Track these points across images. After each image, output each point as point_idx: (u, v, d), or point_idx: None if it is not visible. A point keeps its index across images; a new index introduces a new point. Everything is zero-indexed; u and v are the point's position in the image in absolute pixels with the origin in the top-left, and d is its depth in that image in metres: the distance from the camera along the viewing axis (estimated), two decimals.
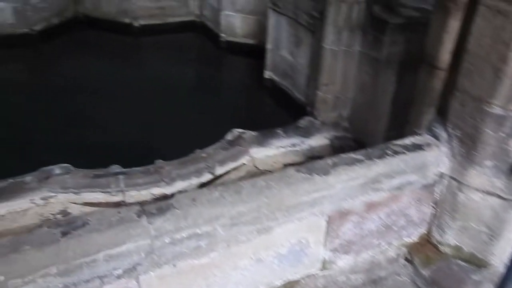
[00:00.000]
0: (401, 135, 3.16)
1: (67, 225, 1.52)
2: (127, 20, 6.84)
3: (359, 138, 4.03)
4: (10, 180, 3.12)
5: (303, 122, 4.24)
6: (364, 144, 3.95)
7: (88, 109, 4.81)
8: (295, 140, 4.02)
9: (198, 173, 3.43)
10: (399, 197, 2.10)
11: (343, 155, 2.02)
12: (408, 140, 2.18)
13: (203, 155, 3.60)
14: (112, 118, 4.66)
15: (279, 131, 4.08)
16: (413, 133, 2.46)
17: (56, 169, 3.24)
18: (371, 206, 2.03)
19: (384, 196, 2.03)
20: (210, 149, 3.68)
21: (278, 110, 4.89)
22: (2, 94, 5.06)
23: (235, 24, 6.23)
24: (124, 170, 3.32)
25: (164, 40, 6.94)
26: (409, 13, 3.51)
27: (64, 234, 1.49)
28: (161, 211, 1.63)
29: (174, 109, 4.90)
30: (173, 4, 6.95)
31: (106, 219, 1.57)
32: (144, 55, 6.63)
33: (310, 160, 3.99)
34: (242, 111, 4.94)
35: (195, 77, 5.89)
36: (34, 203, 3.03)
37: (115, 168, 3.34)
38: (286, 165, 3.87)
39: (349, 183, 1.91)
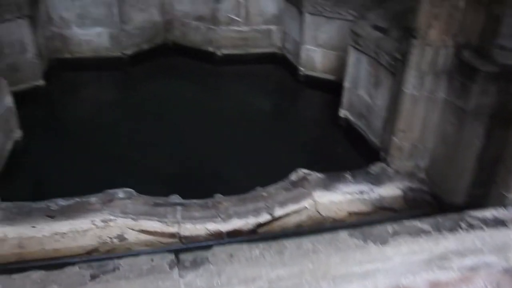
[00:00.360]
0: (486, 195, 2.82)
1: (98, 268, 1.47)
2: (211, 49, 7.04)
3: (437, 192, 3.67)
4: (77, 199, 3.25)
5: (375, 168, 3.97)
6: (442, 200, 3.60)
7: (163, 132, 4.95)
8: (364, 187, 3.77)
9: (256, 212, 3.34)
10: (472, 279, 1.79)
11: (406, 222, 1.78)
12: (488, 213, 1.88)
13: (264, 194, 3.50)
14: (182, 143, 4.74)
15: (348, 175, 3.86)
16: (500, 196, 2.14)
17: (120, 193, 3.32)
18: (436, 286, 1.76)
19: (453, 276, 1.74)
20: (271, 188, 3.57)
21: (350, 152, 4.66)
22: (91, 111, 5.46)
23: (315, 58, 6.14)
24: (183, 201, 3.33)
25: (245, 70, 6.99)
26: (506, 60, 3.15)
27: (93, 277, 1.44)
28: (195, 265, 1.53)
29: (243, 139, 4.89)
30: (257, 35, 7.04)
31: (137, 266, 1.50)
32: (224, 83, 6.72)
33: (378, 211, 3.74)
34: (312, 149, 4.77)
35: (270, 109, 5.82)
36: (95, 224, 3.12)
37: (175, 198, 3.35)
38: (351, 214, 3.64)
39: (410, 257, 1.67)
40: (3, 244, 2.93)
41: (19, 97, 4.99)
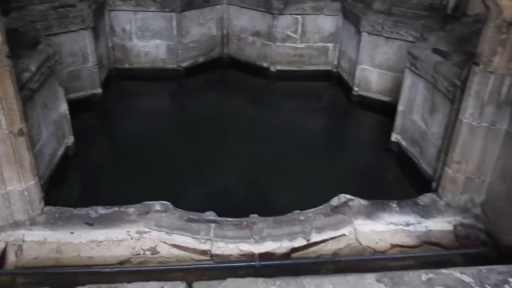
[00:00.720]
0: None
1: None
2: (265, 64, 7.05)
3: (492, 231, 3.34)
4: (115, 208, 3.31)
5: (424, 199, 3.71)
6: (498, 240, 3.28)
7: (211, 147, 4.95)
8: (411, 218, 3.52)
9: (291, 236, 3.21)
10: None
11: (444, 271, 1.59)
12: None
13: (301, 217, 3.37)
14: (228, 159, 4.72)
15: (394, 204, 3.63)
16: None
17: (157, 205, 3.34)
18: None
19: None
20: (310, 212, 3.43)
21: (399, 179, 4.44)
22: (143, 120, 5.61)
23: (370, 78, 5.96)
24: (217, 218, 3.28)
25: (298, 87, 6.93)
26: None
27: None
28: None
29: (290, 158, 4.79)
30: (313, 52, 6.95)
31: None
32: (276, 99, 6.65)
33: (424, 245, 3.47)
34: (358, 173, 4.57)
35: (320, 128, 5.70)
36: (130, 235, 3.15)
37: (210, 215, 3.32)
38: (394, 246, 3.40)
39: None
40: (42, 248, 3.03)
41: (77, 103, 5.29)
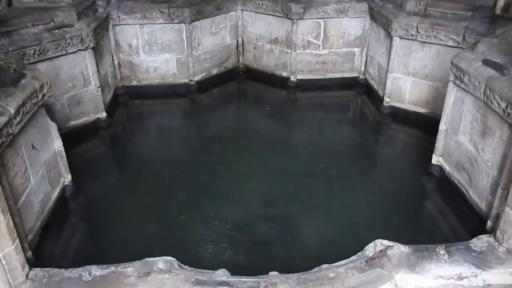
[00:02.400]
0: None
1: None
2: (285, 74, 6.61)
3: None
4: (112, 268, 2.90)
5: (479, 243, 3.15)
6: None
7: (226, 174, 4.54)
8: (464, 269, 2.99)
9: None
10: None
11: None
12: None
13: (331, 274, 2.88)
14: (244, 190, 4.28)
15: (441, 250, 3.09)
16: None
17: (160, 263, 2.92)
18: None
19: None
20: (341, 268, 2.93)
21: (443, 213, 3.88)
22: (152, 147, 5.23)
23: (403, 88, 5.42)
24: (230, 279, 2.82)
25: (321, 98, 6.50)
26: None
27: None
28: None
29: (312, 189, 4.30)
30: (337, 59, 6.43)
31: None
32: (297, 112, 6.26)
33: None
34: (394, 204, 4.02)
35: (347, 148, 5.15)
36: None
37: (221, 274, 2.86)
38: None
39: None
40: None
41: (79, 131, 5.00)
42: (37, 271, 2.87)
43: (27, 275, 2.79)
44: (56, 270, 2.90)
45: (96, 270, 2.91)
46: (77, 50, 4.79)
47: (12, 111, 2.87)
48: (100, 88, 5.19)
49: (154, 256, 2.94)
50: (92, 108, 5.21)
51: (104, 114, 5.34)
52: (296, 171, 4.57)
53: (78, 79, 4.93)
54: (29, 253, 3.08)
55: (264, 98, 6.64)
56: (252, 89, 6.88)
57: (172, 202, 4.09)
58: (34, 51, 4.31)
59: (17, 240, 2.68)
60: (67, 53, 4.69)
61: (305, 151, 5.01)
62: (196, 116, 6.12)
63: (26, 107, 3.09)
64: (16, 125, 2.93)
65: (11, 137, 2.88)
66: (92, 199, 4.06)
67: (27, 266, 2.79)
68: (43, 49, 4.39)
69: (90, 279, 2.85)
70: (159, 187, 4.32)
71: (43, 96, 3.38)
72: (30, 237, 3.20)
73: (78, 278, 2.85)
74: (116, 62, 6.04)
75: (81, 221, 3.87)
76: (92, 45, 4.90)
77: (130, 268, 2.91)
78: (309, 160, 4.77)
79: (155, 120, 5.97)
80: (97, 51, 5.19)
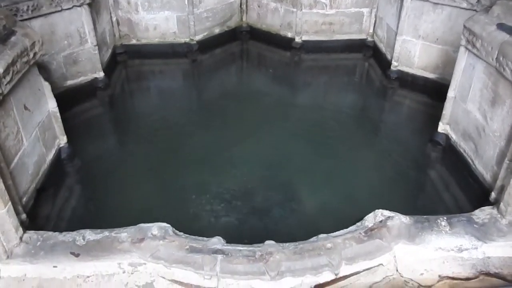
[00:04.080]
0: None
1: None
2: (290, 34, 6.40)
3: None
4: (106, 233, 2.89)
5: (482, 215, 3.11)
6: None
7: (227, 138, 4.47)
8: (464, 241, 2.97)
9: (316, 270, 2.73)
10: None
11: None
12: None
13: (328, 245, 2.84)
14: (245, 153, 4.23)
15: (443, 222, 3.05)
16: None
17: (154, 229, 2.90)
18: None
19: None
20: (339, 237, 2.89)
21: (447, 182, 3.80)
22: (151, 109, 5.12)
23: (412, 52, 5.25)
24: (225, 247, 2.80)
25: (326, 60, 6.33)
26: None
27: None
28: None
29: (314, 154, 4.24)
30: (344, 20, 6.20)
31: None
32: (302, 75, 6.13)
33: (481, 277, 2.91)
34: (397, 173, 3.94)
35: (351, 113, 5.03)
36: (122, 268, 2.74)
37: (216, 242, 2.84)
38: (443, 278, 2.85)
39: None
40: (22, 285, 2.65)
41: (75, 92, 4.90)
42: (31, 233, 2.86)
43: (21, 238, 2.78)
44: (50, 233, 2.89)
45: (90, 235, 2.89)
46: (73, 6, 4.61)
47: (1, 70, 2.76)
48: (97, 47, 5.04)
49: (149, 222, 2.92)
50: (89, 68, 5.07)
51: (101, 74, 5.21)
52: (298, 136, 4.48)
53: (74, 37, 4.78)
54: (23, 216, 3.06)
55: (267, 59, 6.48)
56: (255, 50, 6.70)
57: (170, 166, 4.02)
58: (28, 7, 4.14)
59: (9, 203, 2.64)
60: (62, 9, 4.51)
61: (308, 115, 4.91)
62: (197, 77, 5.99)
63: (17, 66, 2.98)
64: (6, 84, 2.82)
65: (1, 97, 2.80)
66: (88, 162, 4.00)
67: (21, 228, 2.78)
68: (37, 5, 4.22)
69: (84, 243, 2.83)
70: (157, 150, 4.25)
71: (34, 54, 3.26)
72: (24, 199, 3.17)
73: (72, 242, 2.83)
74: (114, 19, 5.85)
75: (77, 184, 3.82)
76: (88, 1, 4.71)
77: (124, 234, 2.88)
78: (312, 125, 4.68)
79: (155, 80, 5.86)
80: (94, 8, 5.01)
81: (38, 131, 3.43)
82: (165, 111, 5.00)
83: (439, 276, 2.82)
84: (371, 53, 6.20)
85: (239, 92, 5.56)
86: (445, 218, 3.06)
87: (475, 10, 4.20)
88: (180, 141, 4.38)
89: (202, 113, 4.98)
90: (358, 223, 3.02)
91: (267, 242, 2.86)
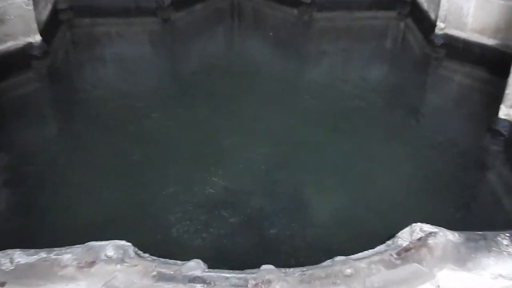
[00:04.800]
0: None
1: None
2: None
3: None
4: (42, 255, 2.88)
5: None
6: None
7: (208, 118, 4.59)
8: None
9: None
10: None
11: None
12: None
13: (348, 271, 2.86)
14: (234, 140, 4.29)
15: (504, 240, 3.08)
16: None
17: (109, 249, 2.88)
18: None
19: None
20: (362, 262, 2.90)
21: (510, 188, 3.86)
22: (110, 81, 5.25)
23: (465, 9, 5.33)
24: (206, 274, 2.80)
25: (347, 20, 6.48)
26: None
27: None
28: None
29: (330, 141, 4.32)
30: None
31: None
32: (313, 40, 6.28)
33: None
34: (440, 177, 3.95)
35: (378, 91, 5.10)
36: None
37: (194, 266, 2.83)
38: None
39: None
40: None
41: (2, 61, 4.92)
42: None
43: None
44: None
45: (20, 257, 2.88)
46: None
47: None
48: (31, 1, 5.07)
49: (102, 239, 2.91)
50: (21, 29, 5.11)
51: (38, 38, 5.25)
52: (307, 125, 4.54)
53: None
54: None
55: (267, 19, 6.65)
56: (250, 6, 6.79)
57: (132, 162, 4.05)
58: None
59: None
60: None
61: (322, 97, 4.98)
62: (170, 43, 6.12)
63: None
64: None
65: None
66: (19, 156, 4.03)
67: None
68: None
69: (12, 268, 2.83)
70: (116, 140, 4.29)
71: None
72: None
73: None
74: None
75: (4, 187, 3.82)
76: None
77: (67, 255, 2.87)
78: (327, 111, 4.74)
79: (112, 47, 5.95)
80: None
81: None
82: (126, 89, 5.04)
83: None
84: (408, 10, 6.33)
85: (227, 65, 5.63)
86: (507, 235, 3.09)
87: None
88: (148, 129, 4.42)
89: (178, 93, 5.04)
90: (389, 241, 3.04)
91: (264, 266, 2.86)
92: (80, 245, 2.91)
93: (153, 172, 3.96)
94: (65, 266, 2.82)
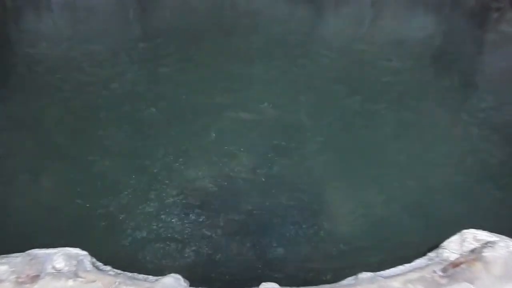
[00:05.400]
0: None
1: None
2: None
3: None
4: None
5: None
6: None
7: (191, 82, 4.73)
8: None
9: None
10: None
11: None
12: None
13: None
14: (213, 125, 4.37)
15: None
16: None
17: (58, 259, 2.93)
18: None
19: None
20: (395, 280, 2.97)
21: None
22: (57, 25, 5.44)
23: None
24: None
25: None
26: None
27: None
28: None
29: (343, 134, 4.37)
30: None
31: None
32: None
33: None
34: (497, 173, 4.00)
35: (417, 49, 5.17)
36: None
37: (171, 283, 2.90)
38: None
39: None
40: None
41: None
42: None
43: None
44: None
45: None
46: None
47: None
48: None
49: (49, 246, 2.95)
50: None
51: None
52: (319, 103, 4.58)
53: None
54: None
55: None
56: None
57: (91, 147, 4.10)
58: None
59: None
60: None
61: (342, 55, 5.06)
62: None
63: None
64: None
65: None
66: None
67: None
68: None
69: None
70: (69, 117, 4.36)
71: None
72: None
73: None
74: None
75: None
76: None
77: (3, 267, 2.89)
78: (348, 74, 4.83)
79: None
80: None
81: None
82: (82, 44, 5.11)
83: None
84: None
85: (211, 17, 5.74)
86: None
87: None
88: (104, 109, 4.47)
89: (152, 50, 5.10)
90: (431, 254, 3.09)
91: (266, 285, 2.87)
92: (19, 254, 2.94)
93: (116, 158, 4.06)
94: (1, 281, 2.83)
